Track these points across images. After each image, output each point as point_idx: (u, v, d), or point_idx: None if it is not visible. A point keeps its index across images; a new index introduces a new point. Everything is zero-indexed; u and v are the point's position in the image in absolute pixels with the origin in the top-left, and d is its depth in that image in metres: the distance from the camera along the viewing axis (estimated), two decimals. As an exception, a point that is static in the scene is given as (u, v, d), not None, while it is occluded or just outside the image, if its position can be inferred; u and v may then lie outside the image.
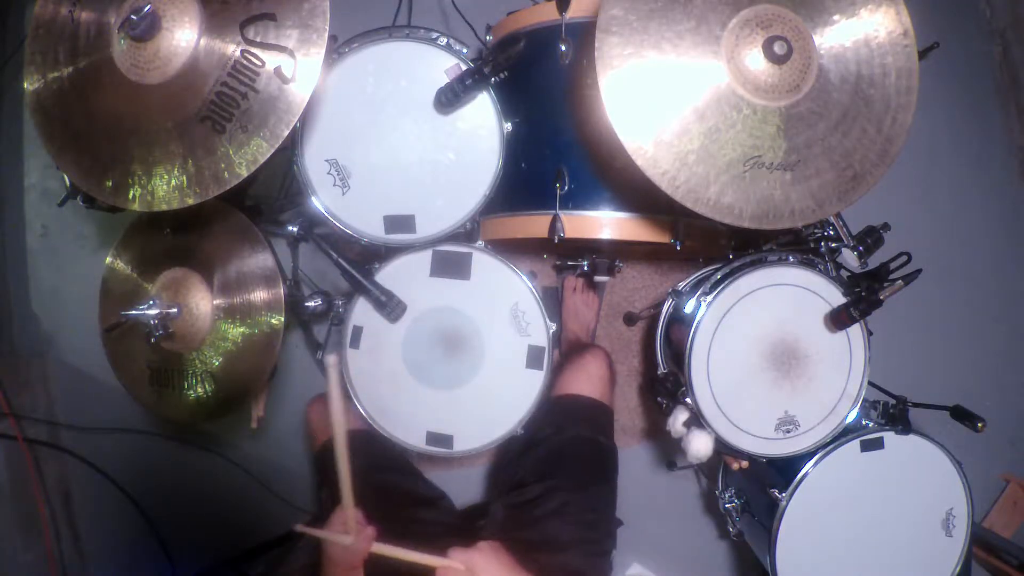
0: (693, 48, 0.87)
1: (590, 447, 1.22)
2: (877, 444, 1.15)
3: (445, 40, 1.11)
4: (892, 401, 1.18)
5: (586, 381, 1.26)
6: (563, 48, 1.07)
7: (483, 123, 1.11)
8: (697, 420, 1.13)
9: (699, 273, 1.32)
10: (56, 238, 1.76)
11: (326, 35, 0.83)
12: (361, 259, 1.20)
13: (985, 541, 1.61)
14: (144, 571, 1.67)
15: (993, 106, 1.92)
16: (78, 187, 1.06)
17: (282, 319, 1.10)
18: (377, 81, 1.10)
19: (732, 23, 0.88)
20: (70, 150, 0.91)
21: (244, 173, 0.85)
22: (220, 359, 1.12)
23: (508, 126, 1.11)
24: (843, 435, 1.15)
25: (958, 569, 1.20)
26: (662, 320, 1.36)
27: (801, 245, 1.25)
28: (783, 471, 1.17)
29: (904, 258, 1.08)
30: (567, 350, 1.60)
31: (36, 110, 0.92)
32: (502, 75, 1.04)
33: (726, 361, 1.11)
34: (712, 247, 1.22)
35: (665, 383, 1.24)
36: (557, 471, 1.16)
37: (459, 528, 1.23)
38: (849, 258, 1.15)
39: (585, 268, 1.40)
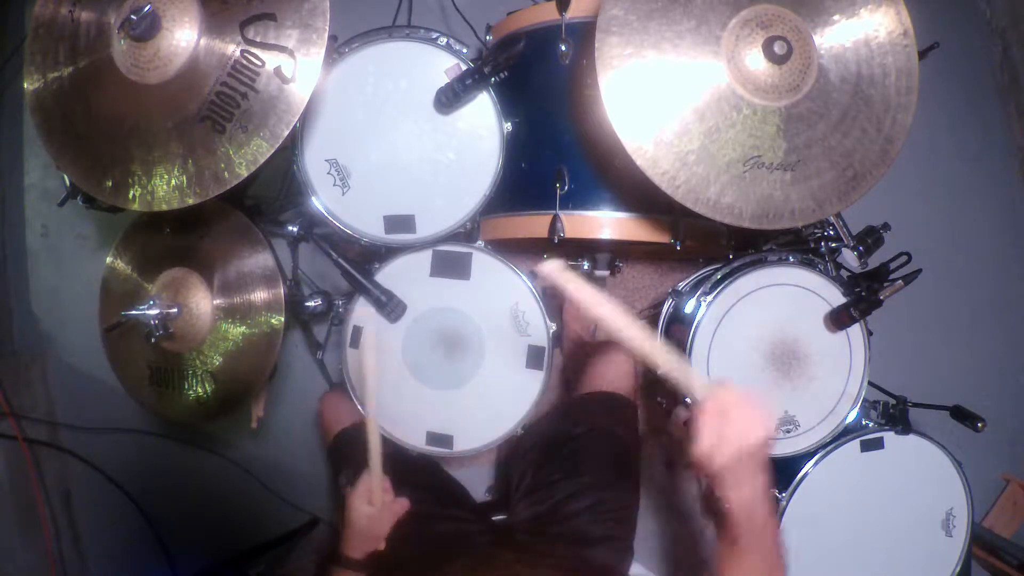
0: (693, 48, 0.87)
1: (620, 444, 1.22)
2: (877, 444, 1.15)
3: (445, 40, 1.11)
4: (892, 401, 1.18)
5: (615, 376, 1.26)
6: (563, 48, 1.07)
7: (483, 123, 1.11)
8: (697, 420, 1.13)
9: (699, 273, 1.32)
10: (56, 238, 1.76)
11: (326, 35, 0.83)
12: (361, 259, 1.20)
13: (985, 541, 1.61)
14: (144, 571, 1.67)
15: (993, 106, 1.92)
16: (78, 187, 1.06)
17: (282, 319, 1.10)
18: (377, 81, 1.10)
19: (732, 23, 0.88)
20: (70, 150, 0.91)
21: (244, 173, 0.85)
22: (220, 359, 1.12)
23: (508, 126, 1.11)
24: (843, 435, 1.15)
25: (958, 569, 1.20)
26: (662, 320, 1.35)
27: (801, 245, 1.25)
28: (783, 471, 1.17)
29: (904, 258, 1.08)
30: (579, 349, 1.59)
31: (36, 110, 0.92)
32: (502, 75, 1.04)
33: (726, 361, 1.11)
34: (712, 247, 1.22)
35: (665, 383, 1.24)
36: (588, 468, 1.16)
37: (479, 524, 1.22)
38: (849, 258, 1.15)
39: (585, 268, 1.40)
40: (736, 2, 0.88)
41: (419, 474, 1.24)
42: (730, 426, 0.66)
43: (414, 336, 1.18)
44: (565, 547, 1.07)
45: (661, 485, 1.76)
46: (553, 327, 1.16)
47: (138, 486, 1.65)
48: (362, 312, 1.18)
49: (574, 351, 1.60)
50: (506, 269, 1.17)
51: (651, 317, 1.70)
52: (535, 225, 1.12)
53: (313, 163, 1.12)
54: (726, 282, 1.10)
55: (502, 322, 1.17)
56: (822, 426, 1.14)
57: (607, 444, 1.20)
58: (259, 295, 1.11)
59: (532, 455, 1.23)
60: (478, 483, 1.70)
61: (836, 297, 1.12)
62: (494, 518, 1.23)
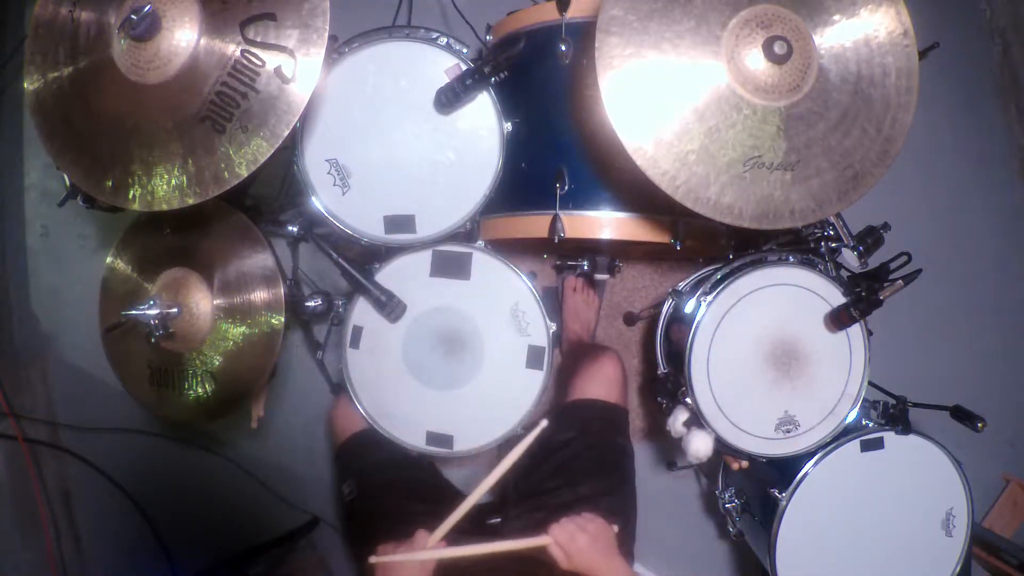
0: (693, 48, 0.87)
1: (613, 450, 1.21)
2: (877, 444, 1.15)
3: (445, 40, 1.11)
4: (892, 401, 1.18)
5: (603, 384, 1.25)
6: (563, 48, 1.07)
7: (483, 123, 1.11)
8: (697, 420, 1.13)
9: (699, 273, 1.32)
10: (56, 238, 1.76)
11: (326, 35, 0.83)
12: (361, 259, 1.20)
13: (985, 541, 1.61)
14: (144, 571, 1.67)
15: (993, 106, 1.91)
16: (78, 187, 1.06)
17: (282, 319, 1.10)
18: (377, 81, 1.10)
19: (732, 23, 0.88)
20: (70, 150, 0.91)
21: (244, 173, 0.85)
22: (220, 359, 1.12)
23: (508, 126, 1.11)
24: (843, 435, 1.15)
25: (958, 569, 1.20)
26: (662, 320, 1.35)
27: (801, 245, 1.25)
28: (783, 471, 1.17)
29: (904, 258, 1.08)
30: (572, 350, 1.59)
31: (36, 110, 0.92)
32: (502, 75, 1.04)
33: (726, 361, 1.11)
34: (712, 247, 1.22)
35: (665, 383, 1.24)
36: (584, 476, 1.15)
37: (470, 525, 1.22)
38: (849, 258, 1.15)
39: (585, 268, 1.40)
40: (736, 2, 0.88)
41: (416, 481, 1.23)
42: (575, 552, 0.92)
43: (414, 336, 1.18)
44: None
45: (661, 485, 1.76)
46: (553, 327, 1.16)
47: (138, 486, 1.65)
48: (362, 312, 1.18)
49: (572, 351, 1.60)
50: (506, 269, 1.17)
51: (651, 317, 1.71)
52: (535, 225, 1.12)
53: (313, 163, 1.12)
54: (726, 282, 1.10)
55: (502, 322, 1.17)
56: (822, 426, 1.14)
57: (602, 452, 1.19)
58: (259, 295, 1.11)
59: (526, 459, 1.22)
60: (477, 483, 1.70)
61: (836, 297, 1.12)
62: (489, 521, 1.23)
